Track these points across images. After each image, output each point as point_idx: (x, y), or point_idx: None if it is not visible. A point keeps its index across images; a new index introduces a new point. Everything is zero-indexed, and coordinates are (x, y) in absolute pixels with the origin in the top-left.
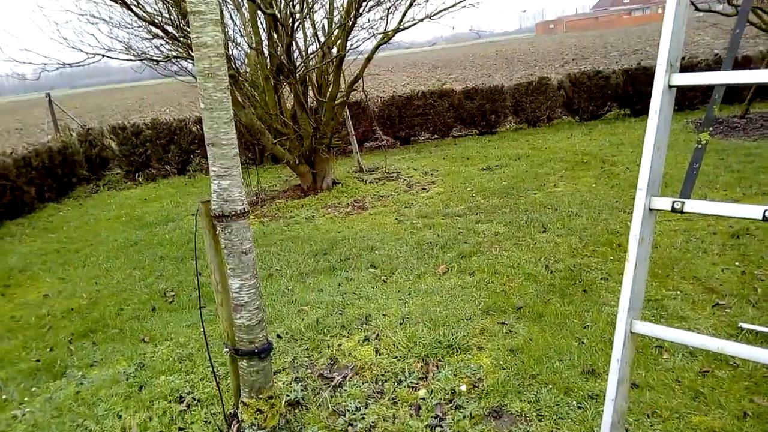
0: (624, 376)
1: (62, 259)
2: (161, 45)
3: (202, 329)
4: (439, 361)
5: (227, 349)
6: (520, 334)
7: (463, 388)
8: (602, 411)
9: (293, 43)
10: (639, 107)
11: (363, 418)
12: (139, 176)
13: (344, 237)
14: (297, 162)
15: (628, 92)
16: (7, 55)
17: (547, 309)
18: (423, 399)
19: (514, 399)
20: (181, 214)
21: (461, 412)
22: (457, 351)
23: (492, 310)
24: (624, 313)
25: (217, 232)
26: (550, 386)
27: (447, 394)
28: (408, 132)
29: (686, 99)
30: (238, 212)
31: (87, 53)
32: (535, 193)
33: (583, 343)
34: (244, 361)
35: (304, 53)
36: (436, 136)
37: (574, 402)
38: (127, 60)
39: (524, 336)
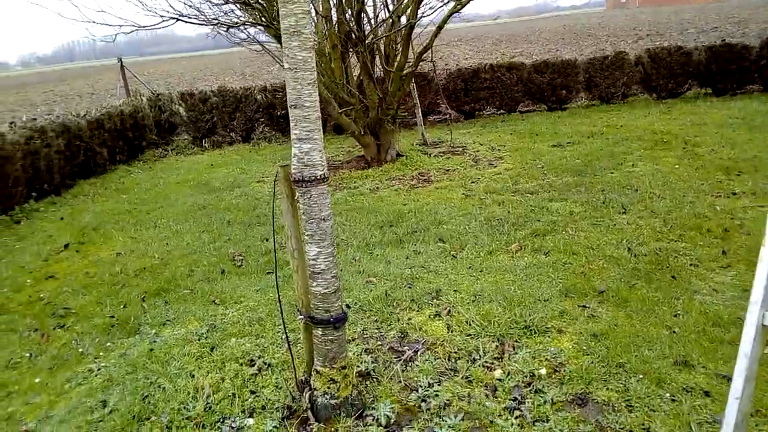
0: (752, 374)
1: (134, 220)
2: (230, 11)
3: (275, 295)
4: (516, 342)
5: (302, 317)
6: (604, 319)
7: (543, 371)
8: (698, 405)
9: (363, 10)
10: (722, 86)
11: (436, 395)
12: (205, 142)
13: (410, 210)
14: (362, 132)
15: (711, 70)
16: (84, 15)
17: (633, 294)
18: (499, 380)
19: (599, 387)
20: (247, 180)
21: (542, 397)
22: (534, 333)
23: (571, 292)
24: (756, 305)
25: (295, 198)
26: (640, 376)
27: (525, 376)
28: (473, 106)
29: None
30: (318, 177)
31: (162, 16)
32: (612, 173)
33: (674, 332)
34: (319, 329)
35: (373, 21)
36: (502, 110)
37: (668, 394)
38: (199, 25)
39: (608, 321)
